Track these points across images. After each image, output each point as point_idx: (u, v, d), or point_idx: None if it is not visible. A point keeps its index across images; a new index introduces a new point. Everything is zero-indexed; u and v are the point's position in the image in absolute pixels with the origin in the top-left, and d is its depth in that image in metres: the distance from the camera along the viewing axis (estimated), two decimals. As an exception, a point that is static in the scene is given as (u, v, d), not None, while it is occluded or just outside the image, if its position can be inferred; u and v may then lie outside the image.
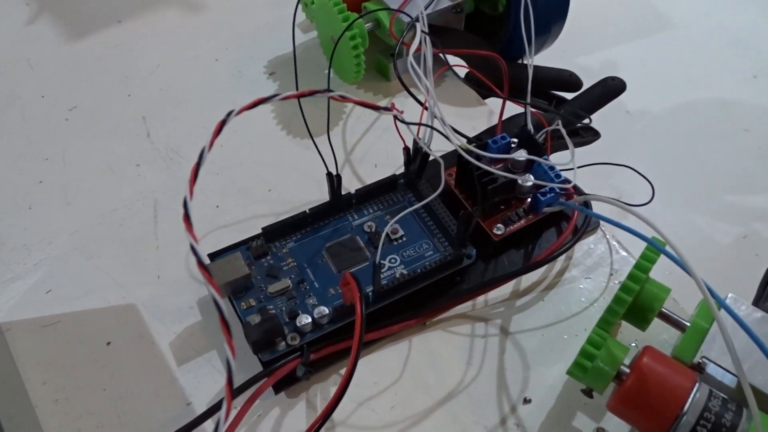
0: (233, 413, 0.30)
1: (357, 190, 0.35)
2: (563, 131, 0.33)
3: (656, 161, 0.37)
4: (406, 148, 0.34)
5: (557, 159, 0.36)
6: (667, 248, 0.26)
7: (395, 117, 0.26)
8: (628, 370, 0.27)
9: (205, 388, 0.31)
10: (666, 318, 0.30)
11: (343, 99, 0.23)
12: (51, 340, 0.33)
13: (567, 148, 0.35)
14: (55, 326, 0.33)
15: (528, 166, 0.36)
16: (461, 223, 0.32)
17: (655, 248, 0.27)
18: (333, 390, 0.31)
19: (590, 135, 0.44)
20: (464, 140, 0.39)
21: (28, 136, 0.41)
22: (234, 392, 0.29)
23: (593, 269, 0.36)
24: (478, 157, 0.32)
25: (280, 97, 0.23)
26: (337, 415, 0.31)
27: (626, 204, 0.29)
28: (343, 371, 0.32)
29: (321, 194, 0.38)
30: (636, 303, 0.29)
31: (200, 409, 0.31)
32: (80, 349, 0.32)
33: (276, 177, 0.39)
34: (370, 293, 0.32)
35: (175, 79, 0.44)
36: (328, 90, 0.23)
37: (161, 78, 0.44)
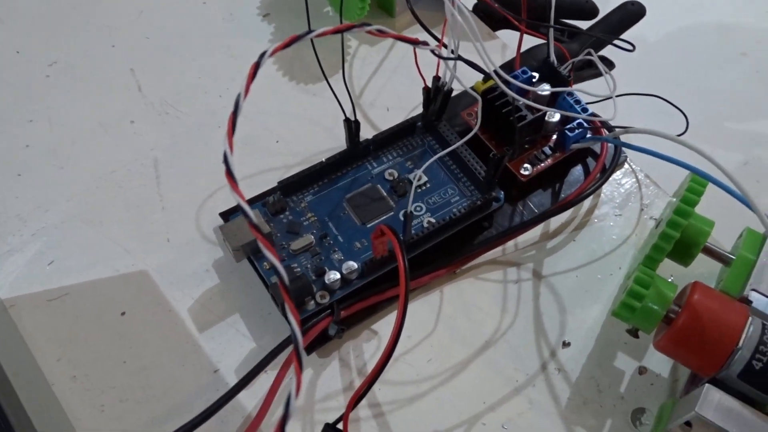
0: (268, 377, 0.29)
1: (374, 136, 0.33)
2: (596, 59, 0.31)
3: (655, 89, 0.35)
4: (426, 88, 0.32)
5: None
6: (721, 179, 0.24)
7: (433, 52, 0.24)
8: (677, 309, 0.27)
9: (232, 354, 0.30)
10: (709, 252, 0.29)
11: (382, 34, 0.21)
12: (60, 315, 0.31)
13: (584, 80, 0.34)
14: (63, 299, 0.31)
15: (550, 102, 0.34)
16: (492, 166, 0.30)
17: (704, 179, 0.26)
18: (365, 346, 0.30)
19: (606, 64, 0.42)
20: (480, 78, 0.37)
21: (5, 97, 0.38)
22: (267, 357, 0.28)
23: (623, 205, 0.34)
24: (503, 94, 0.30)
25: (316, 33, 0.20)
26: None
27: (669, 135, 0.28)
28: (374, 326, 0.31)
29: (331, 143, 0.36)
30: (682, 238, 0.28)
31: (229, 375, 0.29)
32: (93, 322, 0.30)
33: (282, 127, 0.37)
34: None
35: (161, 26, 0.41)
36: (366, 23, 0.20)
37: (146, 25, 0.41)
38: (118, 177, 0.35)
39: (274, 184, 0.33)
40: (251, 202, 0.32)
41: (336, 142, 0.36)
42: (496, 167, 0.30)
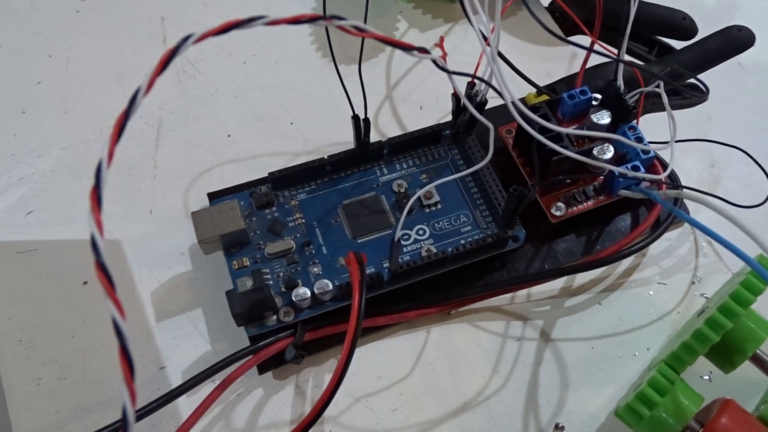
0: (209, 387, 0.26)
1: (390, 139, 0.29)
2: (664, 96, 0.25)
3: (744, 138, 0.28)
4: (455, 95, 0.27)
5: (649, 125, 0.29)
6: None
7: (434, 62, 0.19)
8: (698, 427, 0.21)
9: (184, 353, 0.27)
10: (759, 363, 0.23)
11: (361, 33, 0.16)
12: (24, 270, 0.29)
13: (662, 109, 0.27)
14: (31, 254, 0.29)
15: (608, 130, 0.29)
16: (511, 201, 0.25)
17: (764, 279, 0.20)
18: (327, 377, 0.27)
19: (696, 93, 0.35)
20: (533, 90, 0.31)
21: (34, 26, 0.36)
22: (214, 368, 0.25)
23: (671, 273, 0.29)
24: (540, 122, 0.25)
25: (264, 22, 0.16)
26: (328, 409, 0.26)
27: (731, 203, 0.22)
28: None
29: (350, 136, 0.31)
30: (724, 341, 0.22)
31: (174, 376, 0.27)
32: (54, 286, 0.28)
33: (301, 109, 0.33)
34: (386, 270, 0.26)
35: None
36: (337, 17, 0.16)
37: (188, -28, 0.38)
38: (117, 133, 0.32)
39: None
40: (239, 189, 0.29)
41: (349, 136, 0.31)
42: (516, 203, 0.25)
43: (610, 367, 0.27)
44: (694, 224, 0.21)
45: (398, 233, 0.26)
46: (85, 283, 0.29)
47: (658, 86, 0.26)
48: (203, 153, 0.32)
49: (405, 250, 0.27)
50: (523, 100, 0.32)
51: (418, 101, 0.33)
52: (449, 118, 0.31)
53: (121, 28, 0.36)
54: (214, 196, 0.29)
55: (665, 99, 0.25)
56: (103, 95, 0.33)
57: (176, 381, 0.26)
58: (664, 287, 0.28)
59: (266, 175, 0.29)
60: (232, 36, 0.36)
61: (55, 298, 0.28)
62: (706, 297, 0.28)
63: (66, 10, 0.36)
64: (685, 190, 0.25)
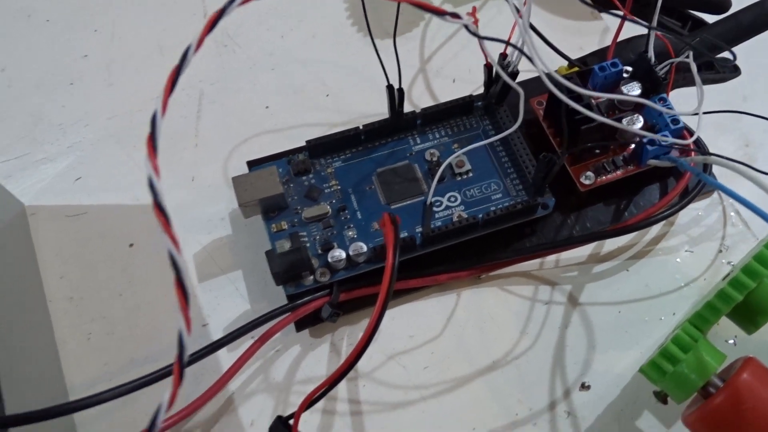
0: (249, 342, 0.27)
1: (424, 109, 0.30)
2: (693, 66, 0.25)
3: None
4: (488, 65, 0.28)
5: (679, 97, 0.29)
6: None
7: (466, 27, 0.20)
8: (719, 383, 0.22)
9: (225, 311, 0.28)
10: (783, 325, 0.23)
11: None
12: (73, 233, 0.30)
13: (693, 84, 0.28)
14: (80, 218, 0.31)
15: (638, 105, 0.29)
16: (541, 168, 0.26)
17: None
18: (361, 336, 0.28)
19: (728, 70, 0.35)
20: (564, 64, 0.32)
21: (80, 1, 0.37)
22: (254, 323, 0.26)
23: (698, 241, 0.29)
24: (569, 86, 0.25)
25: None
26: (362, 365, 0.27)
27: (757, 170, 0.22)
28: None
29: (385, 108, 0.32)
30: (747, 301, 0.22)
31: (216, 332, 0.28)
32: (102, 247, 0.30)
33: (337, 81, 0.34)
34: (419, 234, 0.27)
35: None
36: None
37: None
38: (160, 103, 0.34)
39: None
40: (278, 156, 0.30)
41: (385, 107, 0.32)
42: (546, 170, 0.26)
43: (636, 330, 0.27)
44: (721, 188, 0.22)
45: (430, 197, 0.27)
46: (131, 245, 0.30)
47: (688, 57, 0.26)
48: (242, 124, 0.33)
49: (437, 215, 0.28)
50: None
51: (451, 74, 0.34)
52: (481, 90, 0.31)
53: (162, 4, 0.37)
54: (253, 164, 0.30)
55: (694, 68, 0.25)
56: (146, 68, 0.35)
57: (216, 337, 0.28)
58: (691, 255, 0.29)
59: (303, 144, 0.30)
60: (270, 10, 0.37)
61: (102, 260, 0.30)
62: (732, 265, 0.28)
63: (110, -15, 0.38)
64: (712, 156, 0.25)
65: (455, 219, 0.28)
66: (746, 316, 0.23)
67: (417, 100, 0.33)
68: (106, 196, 0.31)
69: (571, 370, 0.27)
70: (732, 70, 0.36)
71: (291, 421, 0.22)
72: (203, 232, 0.30)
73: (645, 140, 0.27)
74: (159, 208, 0.15)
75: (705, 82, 0.34)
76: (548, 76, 0.21)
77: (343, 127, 0.32)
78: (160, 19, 0.36)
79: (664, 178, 0.30)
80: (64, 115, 0.33)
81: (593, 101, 0.29)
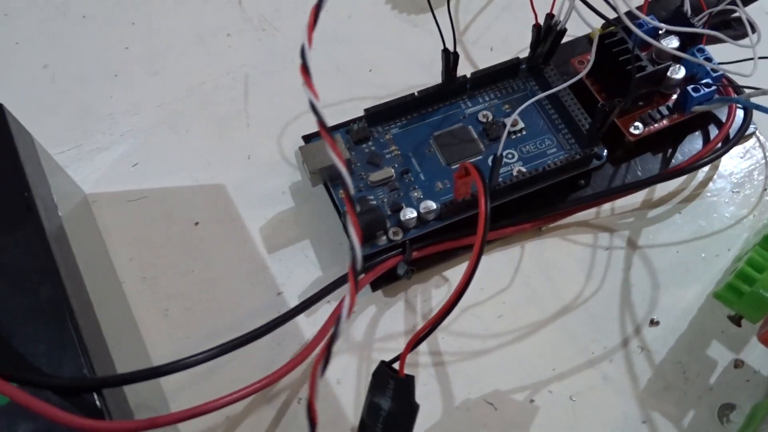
0: (327, 308, 0.28)
1: (473, 74, 0.31)
2: (742, 10, 0.27)
3: None
4: (537, 25, 0.29)
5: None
6: None
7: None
8: (793, 301, 0.23)
9: (298, 279, 0.29)
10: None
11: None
12: (137, 216, 0.31)
13: (717, 41, 0.29)
14: (141, 201, 0.31)
15: (676, 58, 0.31)
16: (599, 117, 0.27)
17: None
18: (434, 292, 0.29)
19: (742, 28, 0.37)
20: (598, 26, 0.33)
21: (112, -2, 0.38)
22: (331, 285, 0.27)
23: (743, 183, 0.31)
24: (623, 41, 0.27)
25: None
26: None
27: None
28: (446, 273, 0.29)
29: (426, 78, 0.34)
30: (811, 222, 0.24)
31: (292, 299, 0.29)
32: (167, 228, 0.30)
33: (378, 57, 0.35)
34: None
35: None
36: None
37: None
38: (207, 89, 0.34)
39: (361, 113, 0.31)
40: (336, 128, 0.31)
41: (430, 79, 0.33)
42: (603, 119, 0.28)
43: (695, 267, 0.29)
44: None
45: (501, 149, 0.28)
46: (197, 224, 0.31)
47: (729, 4, 0.28)
48: (290, 102, 0.34)
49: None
50: (587, 37, 0.34)
51: (488, 44, 0.35)
52: (517, 56, 0.33)
53: (197, -6, 0.38)
54: (309, 138, 0.31)
55: (742, 11, 0.27)
56: (187, 56, 0.35)
57: (292, 304, 0.28)
58: (738, 195, 0.30)
59: (357, 116, 0.31)
60: (303, -6, 0.37)
61: (170, 239, 0.30)
62: (779, 200, 0.30)
63: (144, -21, 0.38)
64: (750, 91, 0.27)
65: (515, 173, 0.29)
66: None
67: (460, 69, 0.34)
68: (164, 180, 0.32)
69: (639, 308, 0.28)
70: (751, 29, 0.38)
71: (395, 365, 0.23)
72: (267, 206, 0.31)
73: (690, 87, 0.29)
74: (323, 127, 0.16)
75: (736, 39, 0.36)
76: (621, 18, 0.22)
77: (390, 98, 0.33)
78: (196, 9, 0.37)
79: (705, 126, 0.31)
80: (113, 105, 0.34)
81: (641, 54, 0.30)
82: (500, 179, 0.29)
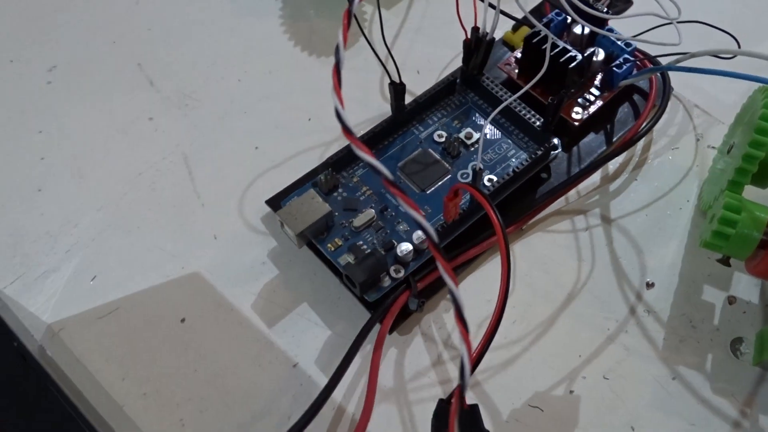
0: (359, 365, 0.27)
1: (416, 99, 0.31)
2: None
3: (696, 14, 0.33)
4: (467, 40, 0.31)
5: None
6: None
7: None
8: (773, 230, 0.26)
9: (308, 345, 0.28)
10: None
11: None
12: (114, 331, 0.28)
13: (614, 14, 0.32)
14: (114, 315, 0.29)
15: (589, 42, 0.33)
16: (550, 111, 0.29)
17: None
18: (446, 317, 0.29)
19: (621, 3, 0.40)
20: (508, 29, 0.35)
21: (9, 109, 0.35)
22: (354, 346, 0.26)
23: (677, 139, 0.33)
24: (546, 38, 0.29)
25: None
26: (456, 339, 0.28)
27: (729, 50, 0.27)
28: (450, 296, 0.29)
29: (365, 112, 0.34)
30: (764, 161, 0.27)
31: (309, 367, 0.28)
32: (152, 334, 0.28)
33: (311, 104, 0.35)
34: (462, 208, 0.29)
35: (160, 14, 0.38)
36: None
37: (144, 16, 0.38)
38: (147, 179, 0.32)
39: (315, 164, 0.31)
40: (297, 185, 0.30)
41: (370, 111, 0.34)
42: (554, 112, 0.29)
43: (666, 224, 0.31)
44: (697, 71, 0.26)
45: (479, 162, 0.28)
46: (183, 320, 0.29)
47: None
48: (239, 171, 0.33)
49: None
50: (501, 40, 0.35)
51: (413, 67, 0.36)
52: (445, 74, 0.34)
53: (103, 86, 0.35)
54: (276, 200, 0.30)
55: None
56: (113, 149, 0.33)
57: (314, 371, 0.27)
58: (678, 151, 0.33)
59: (315, 166, 0.30)
60: (217, 61, 0.37)
61: (159, 345, 0.28)
62: (712, 147, 0.33)
63: (37, 84, 0.35)
64: (685, 54, 0.29)
65: (487, 183, 0.30)
66: (762, 172, 0.27)
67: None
68: (131, 285, 0.30)
69: (633, 275, 0.30)
70: (625, 2, 0.41)
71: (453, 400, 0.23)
72: (251, 281, 0.30)
73: (613, 65, 0.31)
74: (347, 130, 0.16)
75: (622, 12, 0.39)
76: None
77: (338, 141, 0.33)
78: (105, 100, 0.35)
79: (630, 97, 0.34)
80: (47, 222, 0.31)
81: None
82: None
